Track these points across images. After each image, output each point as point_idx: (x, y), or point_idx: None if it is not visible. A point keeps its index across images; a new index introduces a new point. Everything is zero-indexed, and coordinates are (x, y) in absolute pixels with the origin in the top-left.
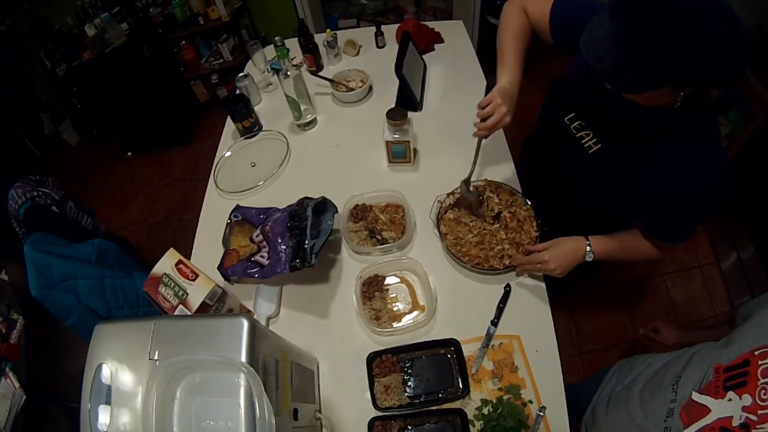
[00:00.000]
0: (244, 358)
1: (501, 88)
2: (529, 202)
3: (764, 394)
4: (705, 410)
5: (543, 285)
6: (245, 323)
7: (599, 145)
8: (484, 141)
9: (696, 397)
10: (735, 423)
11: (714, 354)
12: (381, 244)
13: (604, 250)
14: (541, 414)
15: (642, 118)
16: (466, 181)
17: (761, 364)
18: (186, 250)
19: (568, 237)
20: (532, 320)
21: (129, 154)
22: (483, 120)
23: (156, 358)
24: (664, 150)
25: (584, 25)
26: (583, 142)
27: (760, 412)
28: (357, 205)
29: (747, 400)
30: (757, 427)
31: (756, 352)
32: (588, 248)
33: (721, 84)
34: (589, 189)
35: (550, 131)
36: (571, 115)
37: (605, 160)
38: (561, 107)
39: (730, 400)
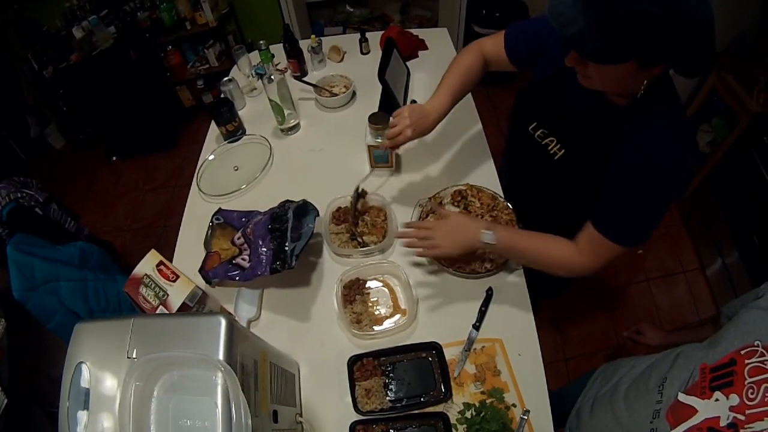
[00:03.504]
0: (221, 357)
1: (415, 106)
2: (511, 206)
3: (752, 394)
4: (692, 411)
5: (525, 288)
6: (223, 321)
7: (563, 151)
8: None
9: (682, 397)
10: (723, 423)
11: (700, 354)
12: (362, 247)
13: (507, 237)
14: (525, 417)
15: (602, 114)
16: (358, 191)
17: (748, 364)
18: (169, 256)
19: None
20: (514, 324)
21: (114, 158)
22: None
23: (134, 356)
24: (624, 144)
25: (536, 39)
26: (549, 149)
27: (748, 411)
28: (339, 207)
29: (734, 399)
30: (745, 426)
31: (742, 352)
32: (486, 230)
33: (687, 63)
34: (562, 194)
35: (517, 141)
36: (533, 124)
37: (570, 164)
38: (524, 117)
39: (717, 400)
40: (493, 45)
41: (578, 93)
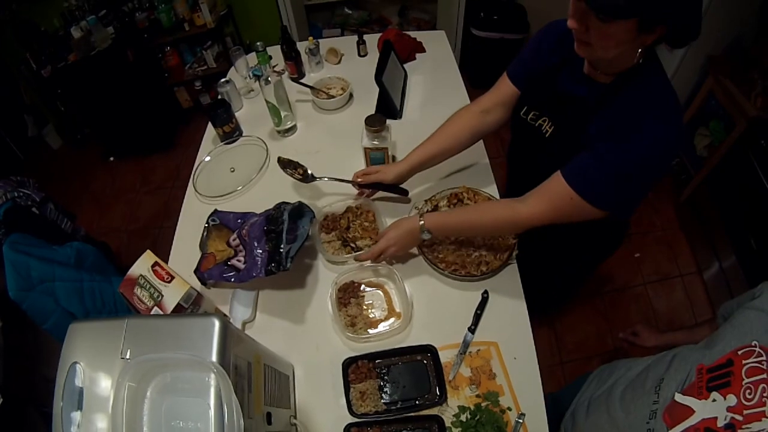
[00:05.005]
0: (214, 358)
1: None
2: None
3: (749, 394)
4: (689, 411)
5: (521, 291)
6: (216, 323)
7: (553, 128)
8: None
9: (679, 398)
10: (720, 423)
11: (696, 355)
12: (356, 252)
13: (439, 222)
14: (520, 421)
15: (587, 91)
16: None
17: (745, 364)
18: (165, 257)
19: (405, 218)
20: (510, 327)
21: (111, 159)
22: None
23: (128, 357)
24: (607, 111)
25: (531, 55)
26: (541, 129)
27: (745, 411)
28: (327, 215)
29: (732, 400)
30: (743, 427)
31: (739, 352)
32: (420, 223)
33: (681, 27)
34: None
35: (516, 133)
36: (524, 109)
37: (560, 140)
38: (517, 105)
39: (714, 400)
40: (489, 93)
41: (566, 77)
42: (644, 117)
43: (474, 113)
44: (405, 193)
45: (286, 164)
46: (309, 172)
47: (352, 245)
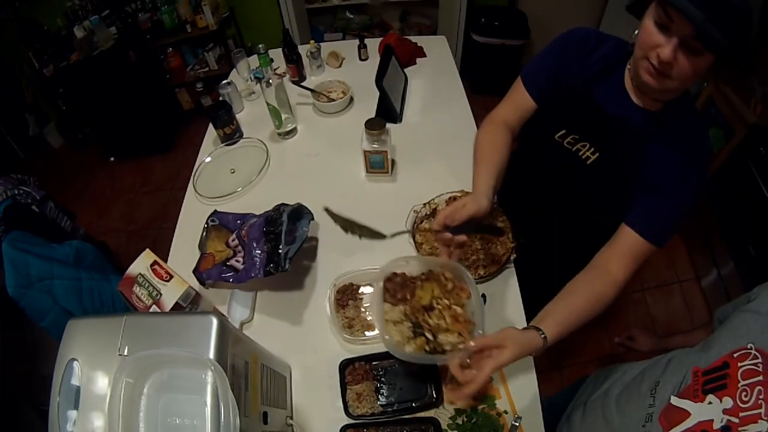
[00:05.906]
0: (212, 356)
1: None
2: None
3: (745, 396)
4: (684, 414)
5: (519, 295)
6: (214, 321)
7: (597, 155)
8: None
9: (675, 401)
10: (716, 426)
11: (692, 358)
12: (432, 353)
13: (559, 331)
14: (517, 424)
15: (636, 119)
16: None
17: (741, 366)
18: (164, 257)
19: (520, 333)
20: None
21: (112, 159)
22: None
23: (125, 354)
24: (661, 147)
25: (554, 65)
26: (580, 154)
27: (741, 414)
28: (395, 273)
29: (728, 402)
30: (739, 429)
31: (735, 355)
32: (542, 338)
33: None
34: (592, 198)
35: (538, 150)
36: (561, 132)
37: (605, 166)
38: (548, 125)
39: (710, 403)
40: (507, 106)
41: (611, 101)
42: (697, 146)
43: (501, 127)
44: (501, 232)
45: (345, 226)
46: (374, 229)
47: (429, 338)
